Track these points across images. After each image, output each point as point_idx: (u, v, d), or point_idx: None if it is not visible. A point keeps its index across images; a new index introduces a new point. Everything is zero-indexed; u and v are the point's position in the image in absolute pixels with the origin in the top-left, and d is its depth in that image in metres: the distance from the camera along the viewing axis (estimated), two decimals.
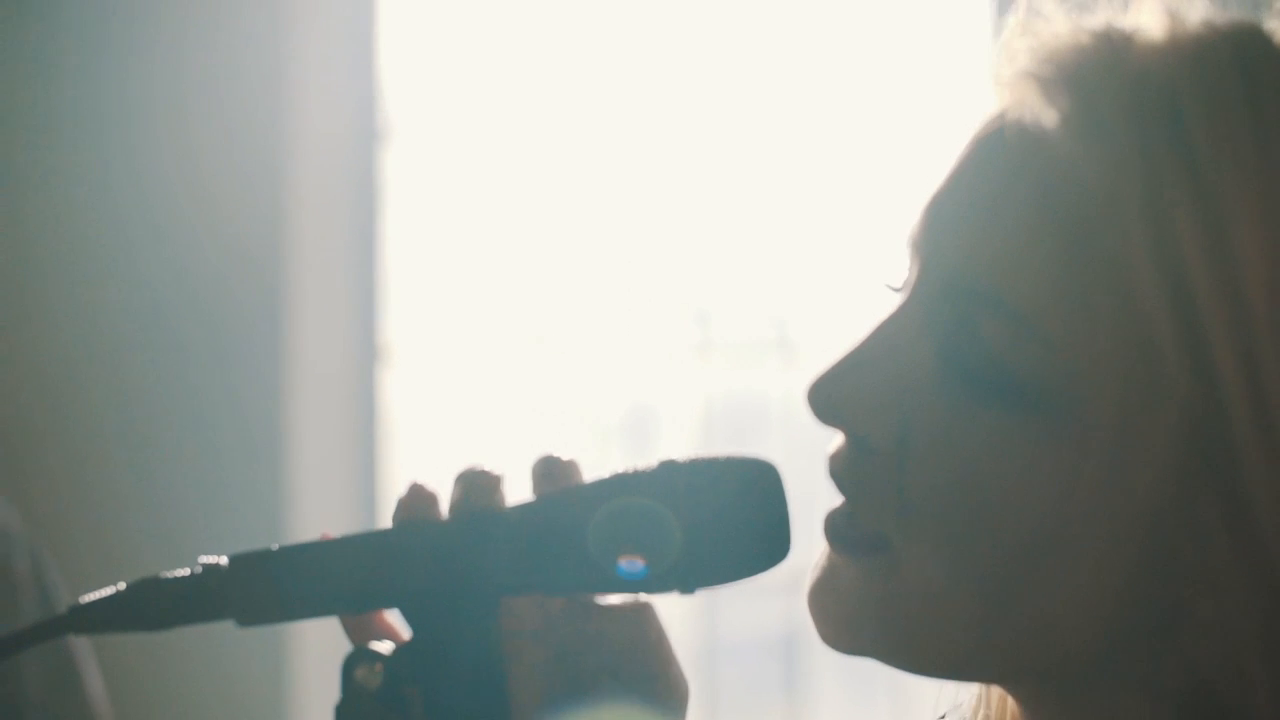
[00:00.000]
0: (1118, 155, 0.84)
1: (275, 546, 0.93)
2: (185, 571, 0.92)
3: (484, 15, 3.50)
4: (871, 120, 3.54)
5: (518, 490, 0.96)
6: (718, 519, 0.91)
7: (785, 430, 3.59)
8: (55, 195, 3.26)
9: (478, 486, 0.94)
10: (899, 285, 0.94)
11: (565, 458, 0.96)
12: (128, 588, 0.93)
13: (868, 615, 0.92)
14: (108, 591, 0.93)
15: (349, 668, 0.91)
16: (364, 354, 3.45)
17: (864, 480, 0.91)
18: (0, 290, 3.25)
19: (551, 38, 3.50)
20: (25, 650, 0.93)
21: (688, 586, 0.93)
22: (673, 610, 1.00)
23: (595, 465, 0.96)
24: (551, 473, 0.96)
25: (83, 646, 2.29)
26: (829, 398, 0.91)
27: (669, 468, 0.92)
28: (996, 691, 0.99)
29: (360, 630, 0.95)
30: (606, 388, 3.54)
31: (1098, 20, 0.89)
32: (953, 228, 0.90)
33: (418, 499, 0.94)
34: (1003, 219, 0.87)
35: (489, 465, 0.95)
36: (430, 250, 3.52)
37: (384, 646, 0.93)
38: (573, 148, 3.50)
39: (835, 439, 0.94)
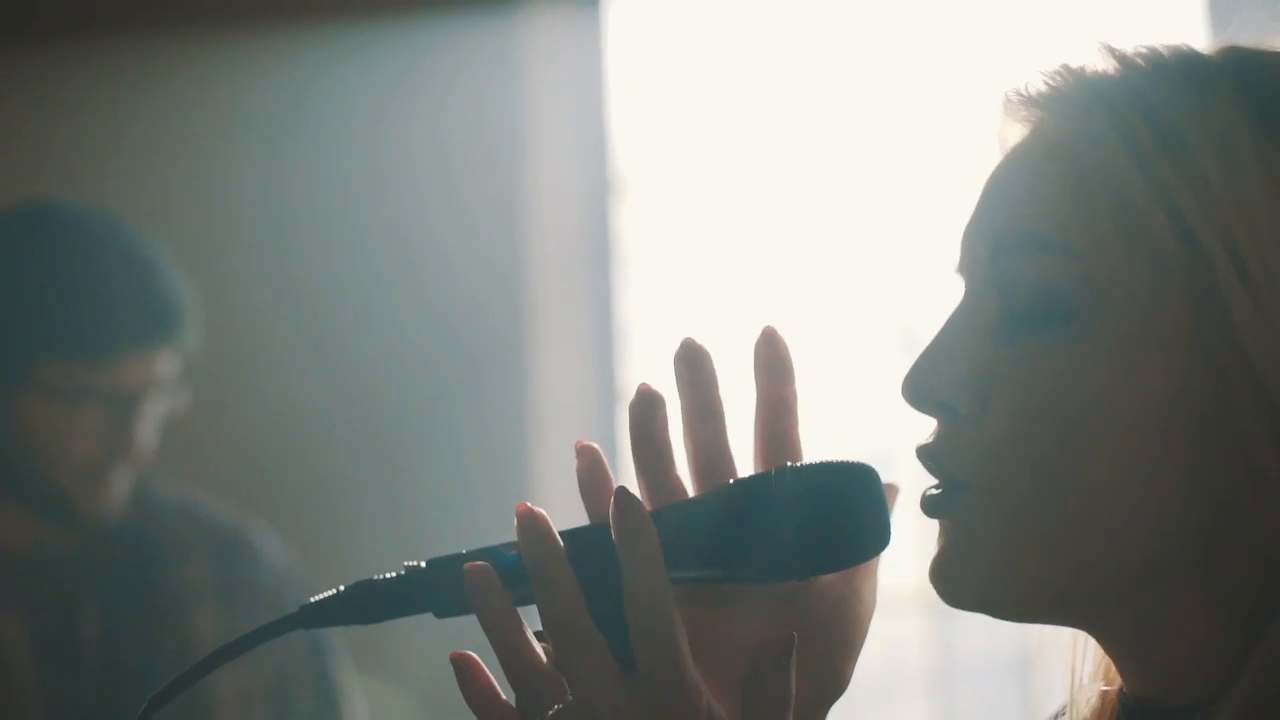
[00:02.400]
0: (1096, 125, 1.06)
1: (465, 550, 1.10)
2: (392, 574, 1.10)
3: (712, 67, 3.62)
4: None
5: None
6: (829, 513, 1.07)
7: None
8: (318, 246, 3.45)
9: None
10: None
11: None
12: (346, 589, 1.10)
13: (971, 554, 1.06)
14: (330, 592, 1.11)
15: None
16: (604, 397, 3.61)
17: (953, 442, 1.07)
18: (274, 328, 3.45)
19: (779, 89, 3.61)
20: (264, 643, 1.11)
21: (804, 573, 1.08)
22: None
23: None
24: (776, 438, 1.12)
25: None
26: (917, 386, 1.07)
27: (786, 471, 1.08)
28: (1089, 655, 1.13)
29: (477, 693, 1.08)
30: (846, 425, 3.64)
31: (1052, 63, 1.11)
32: (986, 222, 1.09)
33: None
34: (1024, 189, 1.08)
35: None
36: (665, 296, 3.65)
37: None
38: (801, 194, 3.61)
39: (928, 430, 1.08)
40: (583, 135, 3.59)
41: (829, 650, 1.10)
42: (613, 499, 1.05)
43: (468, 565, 1.07)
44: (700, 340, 1.13)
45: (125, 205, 3.17)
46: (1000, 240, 1.07)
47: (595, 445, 1.12)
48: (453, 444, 3.40)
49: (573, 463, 1.12)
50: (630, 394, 3.50)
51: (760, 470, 1.11)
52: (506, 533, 1.09)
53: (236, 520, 2.75)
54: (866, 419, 3.60)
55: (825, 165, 3.60)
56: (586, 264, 3.60)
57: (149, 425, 2.61)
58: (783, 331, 1.14)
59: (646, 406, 1.11)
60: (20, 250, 2.61)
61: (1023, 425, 1.05)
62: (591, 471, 1.11)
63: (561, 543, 1.06)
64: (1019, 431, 1.05)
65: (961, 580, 1.07)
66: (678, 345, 1.13)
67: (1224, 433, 1.03)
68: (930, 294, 1.14)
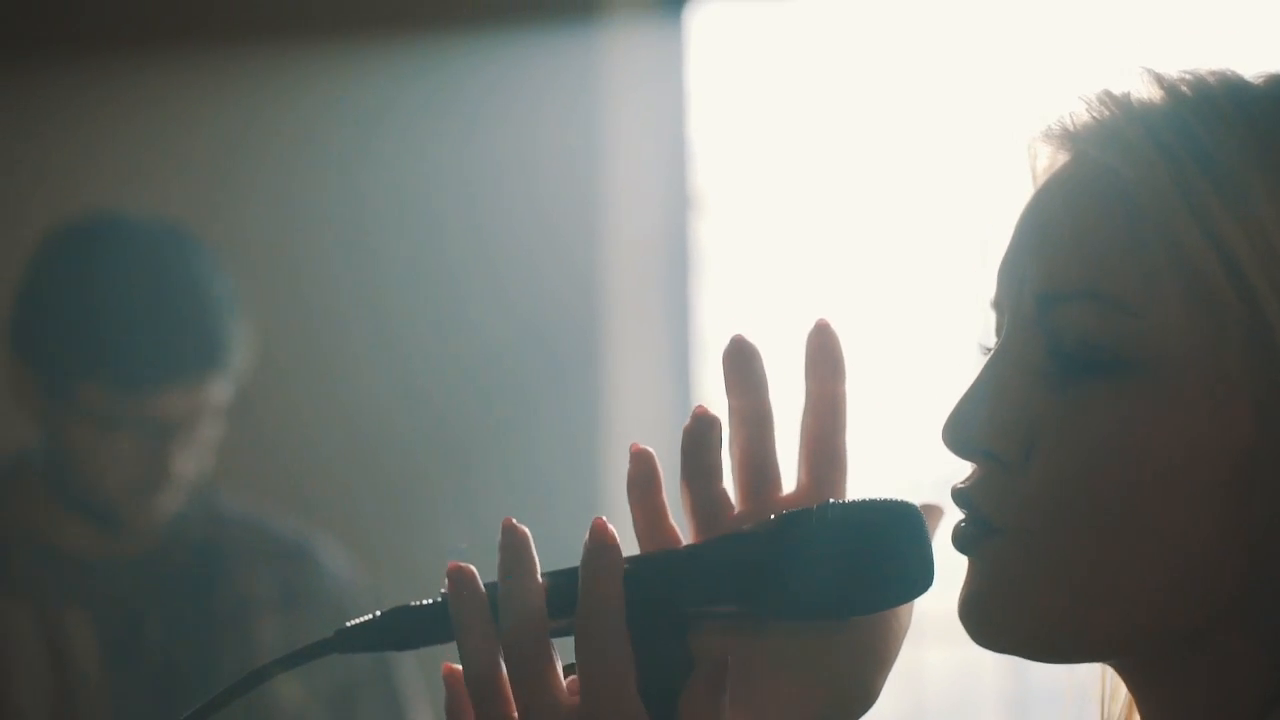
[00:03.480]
0: (1151, 166, 1.03)
1: (498, 580, 1.09)
2: (429, 600, 1.09)
3: (793, 80, 3.62)
4: None
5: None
6: (871, 554, 1.05)
7: None
8: (399, 255, 3.46)
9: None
10: (990, 345, 1.08)
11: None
12: (383, 614, 1.09)
13: (1008, 599, 1.03)
14: (367, 617, 1.10)
15: None
16: (679, 410, 3.60)
17: (993, 489, 1.04)
18: (352, 337, 3.47)
19: (860, 102, 3.60)
20: (300, 666, 1.11)
21: (842, 613, 1.07)
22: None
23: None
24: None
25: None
26: (961, 433, 1.05)
27: (826, 508, 1.06)
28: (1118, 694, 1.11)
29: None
30: (922, 444, 3.62)
31: (1092, 89, 1.07)
32: (1031, 261, 1.05)
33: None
34: (1073, 235, 1.04)
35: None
36: (742, 310, 3.65)
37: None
38: (881, 209, 3.60)
39: (965, 473, 1.06)
40: (663, 148, 3.59)
41: (858, 662, 1.08)
42: (589, 529, 1.04)
43: (450, 564, 1.07)
44: (750, 339, 1.10)
45: (201, 214, 3.18)
46: (1049, 287, 1.04)
47: (650, 450, 1.10)
48: (528, 456, 3.40)
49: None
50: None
51: (804, 488, 1.10)
52: (579, 546, 1.08)
53: (301, 532, 2.77)
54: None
55: (906, 179, 3.59)
56: (665, 277, 3.60)
57: (192, 452, 2.62)
58: (836, 326, 1.11)
59: (702, 429, 1.09)
60: (76, 269, 2.62)
61: (1069, 476, 1.02)
62: (642, 476, 1.09)
63: (484, 594, 1.06)
64: (1065, 481, 1.02)
65: (997, 623, 1.05)
66: (727, 343, 1.10)
67: (1275, 497, 1.01)
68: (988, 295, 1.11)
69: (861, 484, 1.12)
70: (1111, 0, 3.52)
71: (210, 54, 3.46)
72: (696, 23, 3.59)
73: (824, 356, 1.10)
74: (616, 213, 3.50)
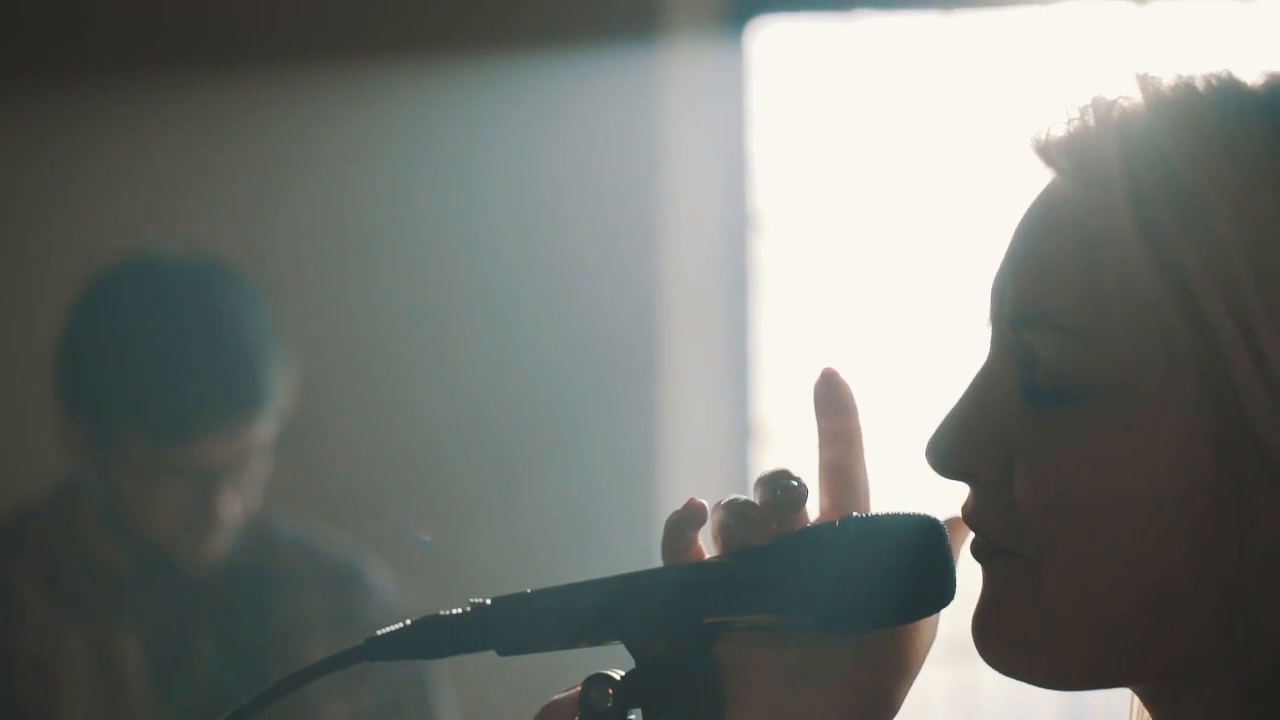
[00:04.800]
0: (1107, 191, 1.01)
1: (529, 590, 1.10)
2: (459, 610, 1.10)
3: (853, 101, 3.62)
4: None
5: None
6: (892, 567, 1.05)
7: None
8: (456, 272, 3.48)
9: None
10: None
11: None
12: (413, 623, 1.10)
13: (1019, 616, 1.04)
14: (397, 626, 1.11)
15: (586, 690, 1.08)
16: (738, 433, 3.60)
17: (987, 513, 1.05)
18: (409, 354, 3.48)
19: (921, 123, 3.60)
20: (329, 674, 1.12)
21: (864, 625, 1.07)
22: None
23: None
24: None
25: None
26: (941, 453, 1.06)
27: (850, 521, 1.07)
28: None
29: None
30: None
31: (1085, 98, 1.05)
32: (1009, 284, 1.06)
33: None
34: (1039, 261, 1.04)
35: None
36: (801, 332, 3.65)
37: (617, 673, 1.09)
38: (941, 231, 3.59)
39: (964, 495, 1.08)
40: (723, 166, 3.60)
41: (879, 672, 1.09)
42: None
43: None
44: (839, 372, 1.14)
45: (258, 225, 3.20)
46: (1020, 312, 1.05)
47: (703, 504, 1.13)
48: (583, 473, 3.41)
49: (704, 496, 1.14)
50: (763, 430, 3.45)
51: (826, 514, 1.11)
52: (633, 563, 1.10)
53: (351, 554, 2.78)
54: None
55: (965, 201, 3.58)
56: (723, 297, 3.61)
57: (239, 494, 2.64)
58: (844, 374, 1.13)
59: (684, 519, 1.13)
60: (118, 317, 2.64)
61: (1046, 499, 1.03)
62: (681, 526, 1.13)
63: None
64: (1043, 504, 1.03)
65: (997, 646, 1.06)
66: (818, 375, 1.14)
67: (1246, 524, 1.00)
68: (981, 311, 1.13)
69: (895, 502, 1.14)
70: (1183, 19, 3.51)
71: (257, 75, 3.48)
72: (757, 41, 3.60)
73: (832, 401, 1.13)
74: (676, 231, 3.51)
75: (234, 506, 2.63)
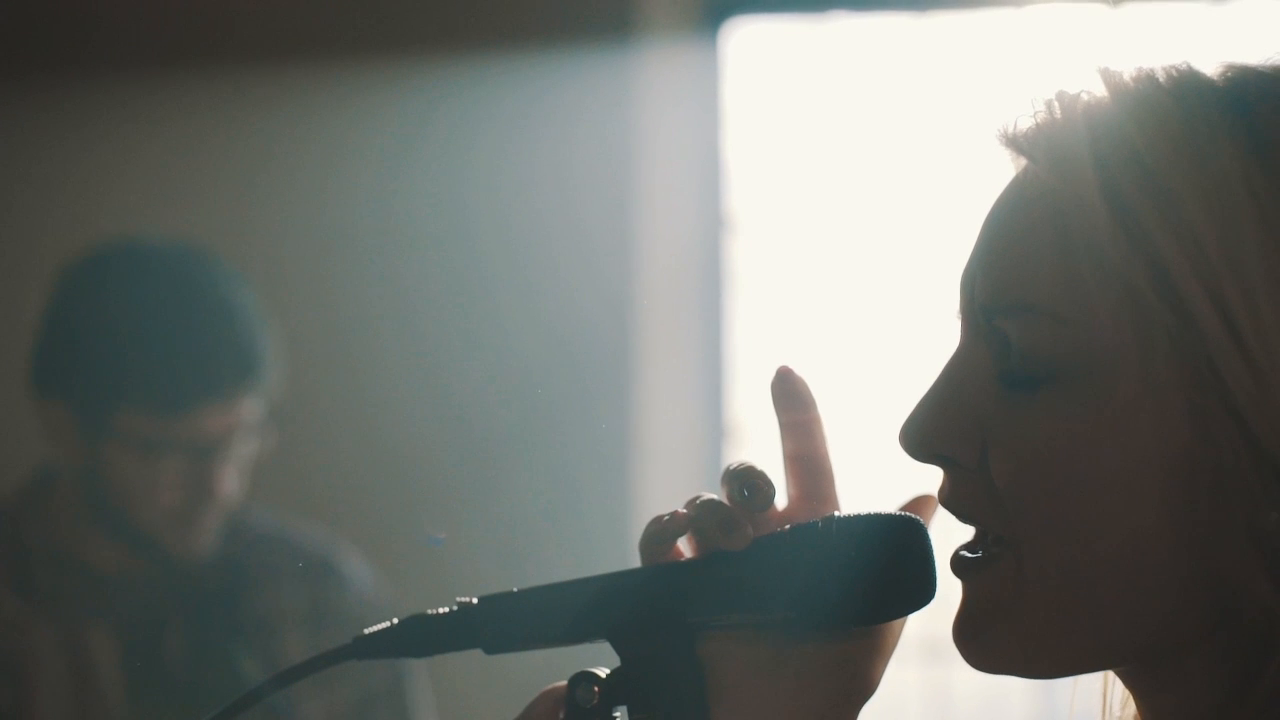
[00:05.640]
0: (1079, 176, 1.03)
1: (516, 589, 1.11)
2: (445, 609, 1.11)
3: (826, 101, 3.63)
4: None
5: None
6: (873, 566, 1.07)
7: None
8: (432, 272, 3.48)
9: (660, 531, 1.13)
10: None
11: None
12: (400, 622, 1.11)
13: (1005, 614, 1.05)
14: (384, 625, 1.12)
15: (572, 688, 1.09)
16: (711, 431, 3.61)
17: (964, 495, 1.07)
18: (385, 353, 3.48)
19: (894, 123, 3.61)
20: (318, 672, 1.13)
21: (845, 623, 1.08)
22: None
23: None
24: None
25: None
26: (915, 437, 1.08)
27: (829, 521, 1.08)
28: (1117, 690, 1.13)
29: None
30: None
31: (1050, 91, 1.08)
32: (980, 274, 1.08)
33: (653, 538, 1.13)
34: (1012, 249, 1.06)
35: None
36: (775, 331, 3.65)
37: (602, 671, 1.10)
38: (913, 230, 3.60)
39: (938, 479, 1.09)
40: (697, 167, 3.61)
41: (858, 652, 1.11)
42: None
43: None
44: (793, 369, 1.17)
45: (239, 228, 3.20)
46: (991, 300, 1.06)
47: (685, 514, 1.14)
48: (559, 472, 3.42)
49: (679, 497, 1.15)
50: (737, 430, 3.46)
51: (794, 501, 1.14)
52: (609, 563, 1.12)
53: (327, 546, 2.78)
54: None
55: (939, 200, 3.59)
56: (698, 297, 3.61)
57: (232, 470, 2.63)
58: (799, 370, 1.17)
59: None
60: (103, 298, 2.64)
61: (1024, 480, 1.04)
62: (663, 535, 1.14)
63: None
64: (1021, 485, 1.05)
65: (982, 647, 1.07)
66: (773, 374, 1.18)
67: (1225, 499, 1.01)
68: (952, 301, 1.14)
69: (876, 496, 1.16)
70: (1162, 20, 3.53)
71: (240, 73, 3.48)
72: (732, 42, 3.61)
73: (789, 395, 1.16)
74: (650, 231, 3.51)
75: (229, 485, 2.63)
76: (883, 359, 3.57)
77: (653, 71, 3.52)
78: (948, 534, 1.12)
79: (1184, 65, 1.06)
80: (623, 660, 1.09)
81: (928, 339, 3.61)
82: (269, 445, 2.69)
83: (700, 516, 1.12)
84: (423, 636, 1.11)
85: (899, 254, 3.61)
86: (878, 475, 3.53)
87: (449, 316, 3.47)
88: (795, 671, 1.10)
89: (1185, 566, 1.02)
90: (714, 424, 3.60)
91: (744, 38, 3.62)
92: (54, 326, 2.66)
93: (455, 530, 3.41)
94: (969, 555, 1.08)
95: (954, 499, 1.08)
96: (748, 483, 1.12)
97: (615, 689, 1.08)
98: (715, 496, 1.13)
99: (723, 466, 3.41)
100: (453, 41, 3.48)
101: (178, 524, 2.62)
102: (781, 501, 1.15)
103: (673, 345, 3.56)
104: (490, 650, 1.11)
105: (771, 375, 1.17)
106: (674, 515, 1.12)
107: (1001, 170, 1.11)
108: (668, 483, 3.45)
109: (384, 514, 3.39)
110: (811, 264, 3.65)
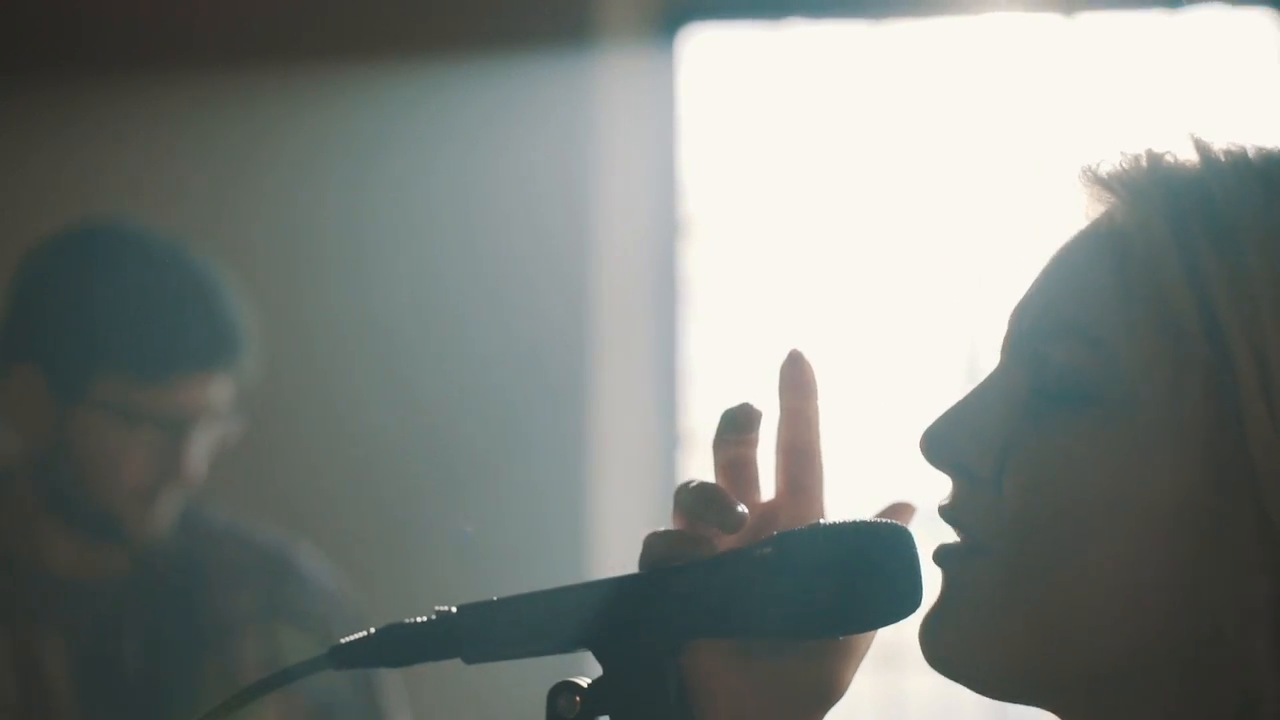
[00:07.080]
0: (1150, 214, 1.06)
1: (495, 598, 1.10)
2: (423, 618, 1.10)
3: (782, 109, 3.63)
4: None
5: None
6: (859, 575, 1.06)
7: None
8: (389, 280, 3.47)
9: (663, 541, 1.12)
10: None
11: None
12: (377, 631, 1.09)
13: (963, 618, 1.06)
14: (361, 634, 1.11)
15: (553, 697, 1.08)
16: (666, 439, 3.61)
17: (969, 507, 1.07)
18: (345, 360, 3.47)
19: (850, 130, 3.62)
20: (294, 682, 1.12)
21: (831, 632, 1.08)
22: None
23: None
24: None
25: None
26: (937, 444, 1.08)
27: (816, 530, 1.08)
28: None
29: None
30: (908, 465, 3.63)
31: (1134, 145, 1.10)
32: (1036, 300, 1.09)
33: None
34: (1072, 279, 1.08)
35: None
36: (730, 339, 3.66)
37: (583, 681, 1.09)
38: (869, 238, 3.61)
39: (946, 489, 1.09)
40: (653, 174, 3.61)
41: (826, 653, 1.11)
42: None
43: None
44: (805, 353, 1.17)
45: (205, 230, 3.19)
46: (1041, 322, 1.08)
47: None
48: (516, 478, 3.41)
49: (634, 504, 1.14)
50: (692, 438, 3.46)
51: (781, 493, 1.13)
52: (565, 569, 1.10)
53: (284, 543, 2.76)
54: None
55: (894, 208, 3.60)
56: (653, 305, 3.61)
57: (201, 450, 2.62)
58: (809, 355, 1.16)
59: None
60: (83, 268, 2.62)
61: (1033, 499, 1.05)
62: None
63: None
64: (1030, 504, 1.05)
65: (946, 642, 1.07)
66: (785, 354, 1.17)
67: (1220, 552, 1.02)
68: (998, 333, 1.16)
69: (851, 502, 1.15)
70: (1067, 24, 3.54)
71: (210, 76, 3.47)
72: (688, 48, 3.61)
73: (797, 381, 1.15)
74: (606, 238, 3.51)
75: (195, 465, 2.61)
76: (838, 365, 3.57)
77: (609, 77, 3.52)
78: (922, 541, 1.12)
79: (1274, 148, 1.08)
80: (604, 670, 1.08)
81: (884, 344, 3.62)
82: (235, 434, 2.67)
83: (692, 501, 1.12)
84: (400, 646, 1.09)
85: (855, 259, 3.62)
86: (837, 479, 3.51)
87: (405, 322, 3.46)
88: (778, 679, 1.10)
89: (1167, 604, 1.03)
90: (669, 431, 3.60)
91: (700, 44, 3.62)
92: (29, 293, 2.64)
93: (407, 536, 3.40)
94: (951, 544, 1.08)
95: (956, 509, 1.08)
96: (724, 518, 1.11)
97: (596, 699, 1.08)
98: (709, 481, 1.14)
99: (678, 473, 3.40)
100: (409, 47, 3.47)
101: (141, 503, 2.60)
102: (767, 494, 1.15)
103: (628, 351, 3.56)
104: (470, 660, 1.09)
105: (783, 358, 1.16)
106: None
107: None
108: (623, 490, 3.44)
109: (342, 519, 3.37)
110: (767, 271, 3.65)
